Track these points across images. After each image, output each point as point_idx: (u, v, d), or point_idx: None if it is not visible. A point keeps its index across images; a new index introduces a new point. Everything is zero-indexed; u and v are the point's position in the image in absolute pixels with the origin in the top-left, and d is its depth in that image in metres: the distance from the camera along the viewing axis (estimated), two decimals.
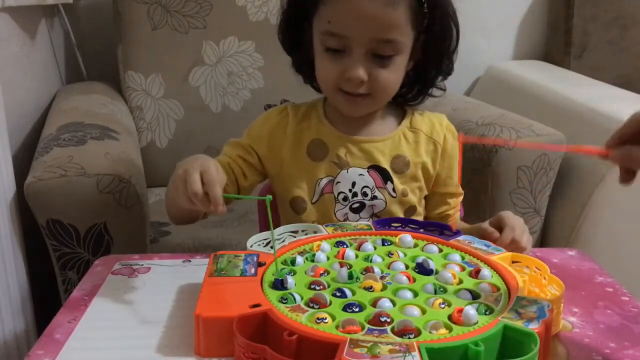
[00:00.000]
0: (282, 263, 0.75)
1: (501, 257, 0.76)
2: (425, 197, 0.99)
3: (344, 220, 0.94)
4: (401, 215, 0.95)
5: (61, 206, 1.06)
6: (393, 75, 0.89)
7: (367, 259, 0.76)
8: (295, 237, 0.82)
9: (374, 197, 0.93)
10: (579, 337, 0.69)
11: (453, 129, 0.99)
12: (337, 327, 0.61)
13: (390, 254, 0.77)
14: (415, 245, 0.80)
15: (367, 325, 0.61)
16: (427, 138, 0.96)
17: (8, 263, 1.08)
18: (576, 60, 1.92)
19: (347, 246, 0.79)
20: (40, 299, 1.22)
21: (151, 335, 0.68)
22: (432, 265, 0.73)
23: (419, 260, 0.74)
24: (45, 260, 1.15)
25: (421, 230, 0.85)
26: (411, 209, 0.96)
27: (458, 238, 0.81)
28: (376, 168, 0.94)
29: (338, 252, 0.77)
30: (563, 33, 1.94)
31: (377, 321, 0.62)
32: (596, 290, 0.79)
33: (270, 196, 0.74)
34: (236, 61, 1.67)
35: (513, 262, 0.77)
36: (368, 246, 0.79)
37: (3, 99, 1.13)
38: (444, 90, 0.98)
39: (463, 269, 0.74)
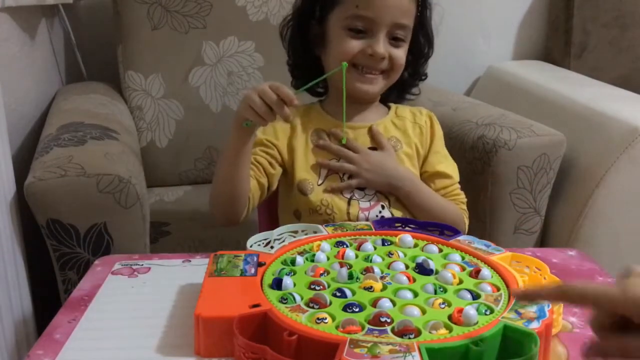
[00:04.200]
0: (282, 263, 0.75)
1: (501, 257, 0.76)
2: None
3: (350, 197, 1.01)
4: None
5: (61, 206, 1.06)
6: (404, 56, 1.01)
7: (367, 259, 0.76)
8: (295, 237, 0.82)
9: None
10: (579, 337, 0.69)
11: (433, 116, 1.11)
12: (337, 327, 0.61)
13: (390, 254, 0.77)
14: (415, 245, 0.80)
15: (367, 326, 0.61)
16: (413, 123, 1.08)
17: (8, 263, 1.07)
18: (576, 60, 1.92)
19: (347, 246, 0.79)
20: (40, 299, 1.22)
21: (151, 335, 0.68)
22: (432, 265, 0.73)
23: (419, 260, 0.74)
24: (45, 260, 1.14)
25: (419, 230, 0.85)
26: None
27: (458, 238, 0.81)
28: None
29: (338, 252, 0.77)
30: (563, 33, 1.94)
31: (377, 321, 0.62)
32: None
33: (346, 63, 0.93)
34: (236, 61, 1.67)
35: (513, 262, 0.77)
36: (368, 246, 0.79)
37: (3, 99, 1.13)
38: (419, 94, 1.13)
39: (463, 269, 0.74)
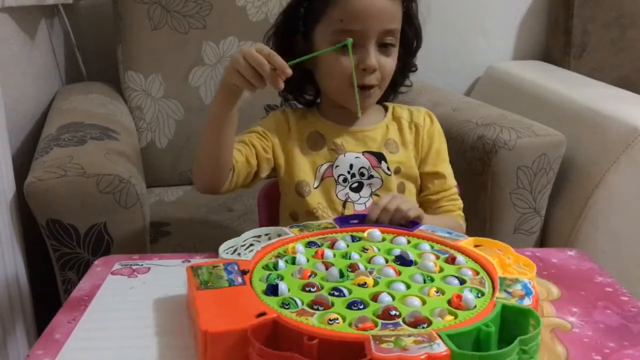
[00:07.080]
0: (263, 268, 0.73)
1: (466, 242, 0.79)
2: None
3: (346, 200, 1.01)
4: (396, 191, 1.02)
5: (61, 206, 1.06)
6: (393, 63, 0.99)
7: (346, 256, 0.76)
8: (259, 241, 0.80)
9: (371, 176, 1.01)
10: (578, 337, 0.69)
11: (432, 114, 1.08)
12: (350, 325, 0.61)
13: (365, 249, 0.78)
14: (384, 239, 0.81)
15: (380, 321, 0.61)
16: (409, 123, 1.06)
17: (8, 263, 1.08)
18: (576, 60, 1.92)
19: (319, 246, 0.79)
20: (40, 299, 1.22)
21: (151, 335, 0.68)
22: (412, 256, 0.74)
23: (397, 252, 0.75)
24: (45, 260, 1.15)
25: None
26: (401, 186, 1.03)
27: (420, 228, 0.84)
28: (370, 152, 1.03)
29: (316, 252, 0.77)
30: (563, 33, 1.94)
31: (387, 315, 0.62)
32: (596, 290, 0.79)
33: (351, 39, 0.88)
34: None
35: (475, 246, 0.78)
36: (341, 244, 0.79)
37: (3, 99, 1.13)
38: (411, 85, 1.09)
39: (437, 257, 0.75)
